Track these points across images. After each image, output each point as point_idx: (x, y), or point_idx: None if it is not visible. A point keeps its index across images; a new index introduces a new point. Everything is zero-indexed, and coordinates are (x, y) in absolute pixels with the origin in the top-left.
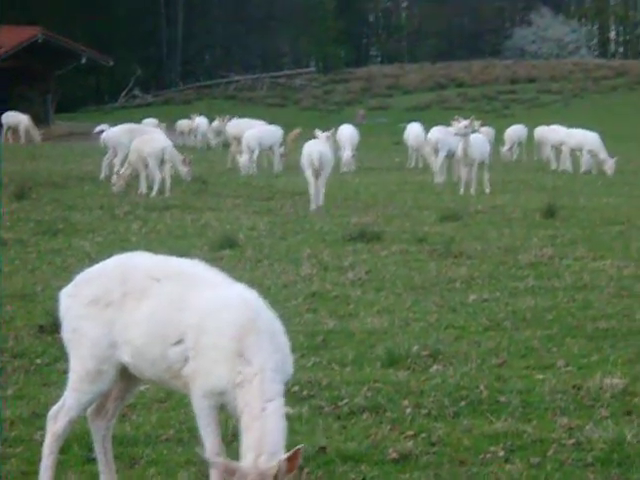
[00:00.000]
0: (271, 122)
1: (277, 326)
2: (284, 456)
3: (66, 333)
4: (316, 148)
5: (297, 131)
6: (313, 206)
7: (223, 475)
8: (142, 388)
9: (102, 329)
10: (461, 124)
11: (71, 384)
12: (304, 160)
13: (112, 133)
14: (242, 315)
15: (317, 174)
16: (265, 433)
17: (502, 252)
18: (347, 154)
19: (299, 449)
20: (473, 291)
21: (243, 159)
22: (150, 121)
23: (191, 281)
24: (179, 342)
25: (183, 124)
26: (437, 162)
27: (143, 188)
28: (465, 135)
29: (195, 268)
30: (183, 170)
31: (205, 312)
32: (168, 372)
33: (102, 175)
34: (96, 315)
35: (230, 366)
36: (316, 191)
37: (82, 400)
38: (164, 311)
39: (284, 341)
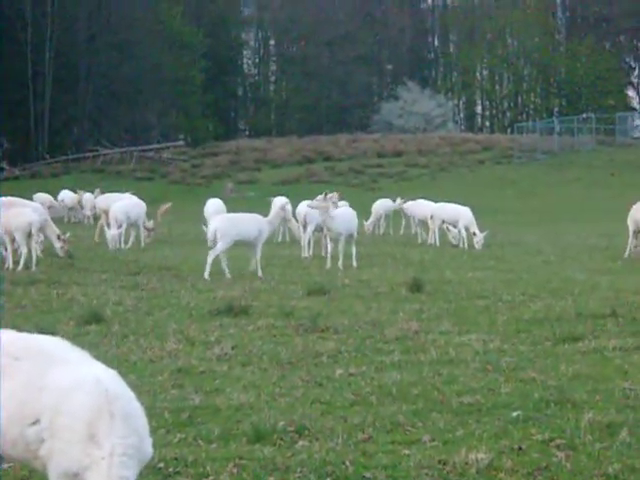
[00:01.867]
0: (139, 196)
1: (134, 407)
2: None
3: None
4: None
5: (167, 205)
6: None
7: None
8: (5, 466)
9: None
10: (317, 198)
11: None
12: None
13: None
14: (95, 397)
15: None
16: None
17: (369, 326)
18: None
19: None
20: (340, 365)
21: (111, 233)
22: (41, 196)
23: (49, 360)
24: (35, 422)
25: (43, 197)
26: (305, 236)
27: (10, 262)
28: (323, 209)
29: (55, 346)
30: (57, 245)
31: (60, 392)
32: (27, 452)
33: None
34: None
35: (82, 448)
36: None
37: None
38: (22, 391)
39: (141, 423)
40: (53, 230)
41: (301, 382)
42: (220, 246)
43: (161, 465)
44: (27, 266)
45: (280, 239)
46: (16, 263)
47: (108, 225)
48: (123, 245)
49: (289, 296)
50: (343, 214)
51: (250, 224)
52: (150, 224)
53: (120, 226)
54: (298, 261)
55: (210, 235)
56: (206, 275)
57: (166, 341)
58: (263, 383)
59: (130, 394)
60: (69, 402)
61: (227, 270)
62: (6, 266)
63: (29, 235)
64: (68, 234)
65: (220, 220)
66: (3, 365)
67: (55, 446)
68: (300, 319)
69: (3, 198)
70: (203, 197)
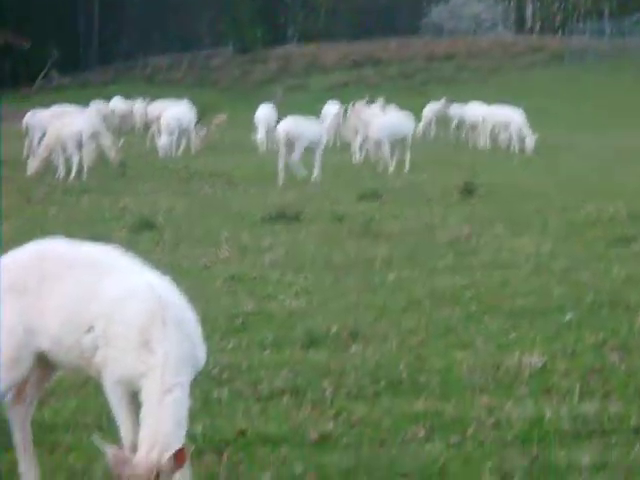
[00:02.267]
0: (190, 103)
1: (186, 314)
2: (169, 453)
3: None
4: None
5: (223, 117)
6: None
7: (113, 466)
8: (60, 374)
9: (18, 316)
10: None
11: None
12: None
13: (35, 116)
14: (148, 304)
15: None
16: (160, 426)
17: (421, 230)
18: (258, 135)
19: (184, 449)
20: (392, 270)
21: (162, 141)
22: (96, 104)
23: (103, 268)
24: (89, 330)
25: (98, 106)
26: (356, 142)
27: (61, 172)
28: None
29: (108, 255)
30: (111, 155)
31: (113, 301)
32: (82, 359)
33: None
34: (12, 302)
35: (136, 355)
36: None
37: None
38: (76, 299)
39: (194, 330)
40: (107, 139)
41: (354, 287)
42: (297, 149)
43: (215, 371)
44: (79, 175)
45: (331, 144)
46: (68, 172)
47: (159, 133)
48: (174, 152)
49: (341, 201)
50: (384, 121)
51: (317, 128)
52: (202, 131)
53: (171, 133)
54: (349, 167)
55: (281, 138)
56: (299, 173)
57: (219, 248)
58: (316, 288)
59: (183, 301)
60: (122, 310)
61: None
62: (57, 175)
63: (80, 144)
64: (122, 142)
65: (291, 123)
66: (57, 274)
67: (109, 353)
68: (352, 224)
69: (55, 107)
70: (253, 104)
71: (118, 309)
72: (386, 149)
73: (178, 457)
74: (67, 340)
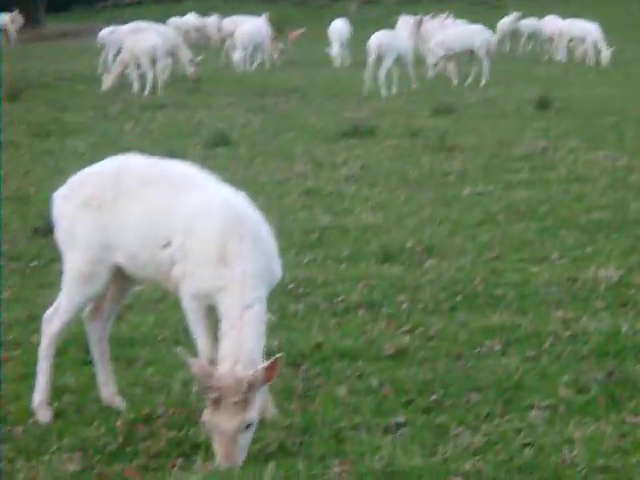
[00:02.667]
0: (265, 18)
1: (263, 230)
2: (262, 365)
3: (60, 235)
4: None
5: (300, 31)
6: None
7: (201, 379)
8: (138, 289)
9: (95, 231)
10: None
11: (65, 286)
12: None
13: (111, 32)
14: (225, 219)
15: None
16: (242, 341)
17: (496, 145)
18: (334, 49)
19: (278, 359)
20: (467, 185)
21: (236, 56)
22: (175, 20)
23: (179, 184)
24: (167, 245)
25: (177, 22)
26: (431, 57)
27: (136, 87)
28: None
29: (185, 170)
30: (190, 69)
31: (190, 215)
32: (159, 274)
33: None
34: (88, 217)
35: (213, 270)
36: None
37: (76, 302)
38: (152, 214)
39: (270, 245)
40: (185, 54)
41: (429, 201)
42: (387, 62)
43: (291, 286)
44: (153, 90)
45: None
46: (142, 88)
47: (234, 48)
48: (249, 68)
49: (415, 115)
50: (448, 34)
51: (406, 42)
52: (278, 46)
53: (245, 48)
54: (424, 81)
55: (372, 52)
56: (384, 91)
57: (294, 163)
58: (391, 203)
59: (259, 216)
60: (199, 224)
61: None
62: (133, 91)
63: (154, 60)
64: (200, 57)
65: (383, 36)
66: (133, 189)
67: (186, 268)
68: (427, 138)
69: (131, 23)
70: (327, 18)
71: (195, 223)
72: (451, 64)
73: (270, 370)
74: (143, 255)
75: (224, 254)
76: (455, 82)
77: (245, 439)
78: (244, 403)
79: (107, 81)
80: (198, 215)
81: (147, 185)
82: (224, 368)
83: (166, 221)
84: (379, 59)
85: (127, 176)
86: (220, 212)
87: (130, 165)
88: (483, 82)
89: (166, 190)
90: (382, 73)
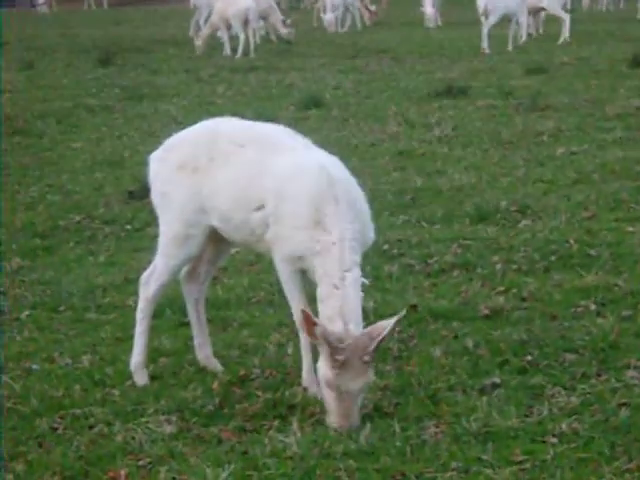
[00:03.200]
0: None
1: (357, 193)
2: (392, 320)
3: (155, 197)
4: None
5: None
6: None
7: (329, 340)
8: (232, 251)
9: (189, 194)
10: None
11: (160, 249)
12: None
13: None
14: (319, 182)
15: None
16: (348, 301)
17: (589, 104)
18: (426, 10)
19: (399, 318)
20: (561, 144)
21: (327, 17)
22: None
23: (273, 147)
24: (260, 208)
25: None
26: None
27: (227, 50)
28: None
29: (278, 133)
30: (283, 31)
31: (284, 178)
32: (252, 236)
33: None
34: (183, 180)
35: (308, 233)
36: None
37: (171, 264)
38: (246, 177)
39: (364, 209)
40: (278, 16)
41: (522, 161)
42: (492, 19)
43: (385, 247)
44: (245, 53)
45: None
46: (234, 50)
47: (324, 9)
48: (340, 29)
49: (508, 75)
50: None
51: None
52: (371, 7)
53: (335, 9)
54: (516, 41)
55: (481, 10)
56: (485, 47)
57: (386, 124)
58: (484, 163)
59: (352, 179)
60: (293, 187)
61: (486, 46)
62: (224, 53)
63: (246, 22)
64: (290, 19)
65: None
66: (227, 152)
67: (280, 231)
68: (520, 98)
69: None
70: None
71: (288, 186)
72: (523, 21)
73: (391, 328)
74: (236, 217)
75: (320, 217)
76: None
77: (362, 399)
78: (370, 363)
79: (198, 45)
80: (291, 178)
81: (240, 148)
82: (337, 328)
83: (259, 184)
84: (487, 17)
85: (220, 139)
86: (314, 175)
87: (223, 128)
88: (561, 40)
89: (259, 153)
90: (485, 30)
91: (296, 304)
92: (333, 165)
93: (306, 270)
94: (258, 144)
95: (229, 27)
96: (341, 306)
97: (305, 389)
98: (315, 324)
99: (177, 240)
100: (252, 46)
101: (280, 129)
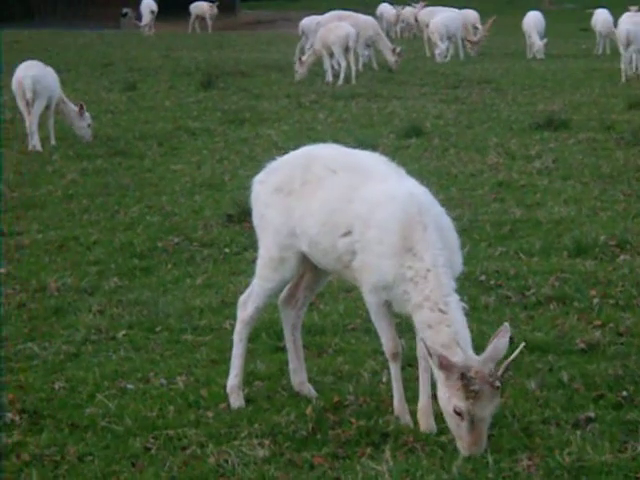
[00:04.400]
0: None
1: (445, 221)
2: (517, 350)
3: (255, 219)
4: None
5: (492, 19)
6: None
7: (459, 370)
8: (330, 278)
9: (283, 217)
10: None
11: (257, 271)
12: None
13: (311, 20)
14: (408, 210)
15: None
16: (458, 328)
17: None
18: (535, 41)
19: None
20: None
21: (439, 48)
22: (385, 7)
23: (365, 174)
24: (347, 234)
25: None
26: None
27: (329, 77)
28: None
29: (372, 162)
30: (391, 60)
31: (372, 205)
32: (339, 263)
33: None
34: (279, 203)
35: (397, 261)
36: None
37: (267, 287)
38: (335, 202)
39: (453, 237)
40: (386, 44)
41: (622, 196)
42: (633, 48)
43: (482, 278)
44: (347, 80)
45: (600, 52)
46: (336, 77)
47: (430, 39)
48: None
49: (610, 109)
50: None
51: None
52: (475, 37)
53: (444, 39)
54: (619, 74)
55: (622, 38)
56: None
57: (487, 155)
58: (584, 197)
59: (441, 209)
60: (380, 214)
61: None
62: (327, 80)
63: (347, 48)
64: (400, 48)
65: (631, 23)
66: (320, 177)
67: (367, 258)
68: (621, 132)
69: (332, 12)
70: (521, 10)
71: (376, 213)
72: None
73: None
74: (324, 243)
75: (411, 245)
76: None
77: (490, 423)
78: (499, 388)
79: (299, 71)
80: (380, 205)
81: (333, 174)
82: (457, 356)
83: (347, 210)
84: (628, 44)
85: (315, 164)
86: (403, 202)
87: (319, 154)
88: None
89: (350, 179)
90: (627, 58)
91: (386, 336)
92: (422, 193)
93: (392, 301)
94: (350, 171)
95: (331, 54)
96: (454, 332)
97: (397, 418)
98: (437, 354)
99: (272, 263)
100: (354, 73)
101: (375, 157)
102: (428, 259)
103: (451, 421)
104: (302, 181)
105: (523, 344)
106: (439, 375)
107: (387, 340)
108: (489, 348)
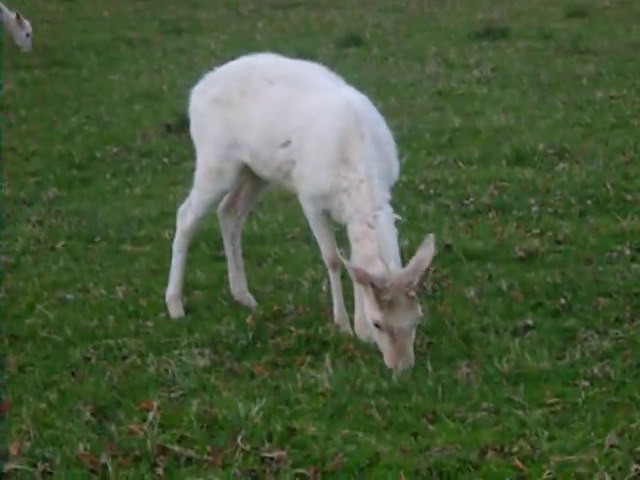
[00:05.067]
0: None
1: (383, 131)
2: (422, 258)
3: (193, 130)
4: None
5: None
6: None
7: (372, 281)
8: (270, 188)
9: (222, 128)
10: None
11: (196, 182)
12: None
13: None
14: (344, 119)
15: None
16: (384, 241)
17: (630, 49)
18: None
19: (430, 251)
20: (600, 88)
21: None
22: None
23: (302, 84)
24: (286, 144)
25: None
26: None
27: None
28: None
29: (310, 72)
30: None
31: (309, 115)
32: (278, 173)
33: None
34: (218, 114)
35: (334, 171)
36: None
37: (205, 198)
38: (273, 113)
39: (390, 147)
40: None
41: (561, 104)
42: None
43: (422, 187)
44: None
45: None
46: None
47: None
48: None
49: (549, 18)
50: None
51: None
52: None
53: None
54: None
55: None
56: None
57: (425, 64)
58: (523, 105)
59: (380, 118)
60: (317, 124)
61: None
62: None
63: None
64: None
65: None
66: (258, 88)
67: (304, 169)
68: (560, 41)
69: None
70: None
71: (313, 123)
72: None
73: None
74: (264, 153)
75: (346, 155)
76: None
77: (414, 336)
78: (416, 298)
79: None
80: (317, 114)
81: (270, 84)
82: (377, 268)
83: (285, 120)
84: None
85: (253, 75)
86: (340, 112)
87: (257, 64)
88: None
89: (287, 90)
90: None
91: (325, 244)
92: (360, 102)
93: (330, 210)
94: (288, 81)
95: None
96: (379, 245)
97: (337, 326)
98: (353, 267)
99: (211, 174)
100: None
101: (314, 67)
102: (362, 170)
103: (375, 336)
104: (240, 92)
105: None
106: (362, 289)
107: (326, 249)
108: (412, 260)
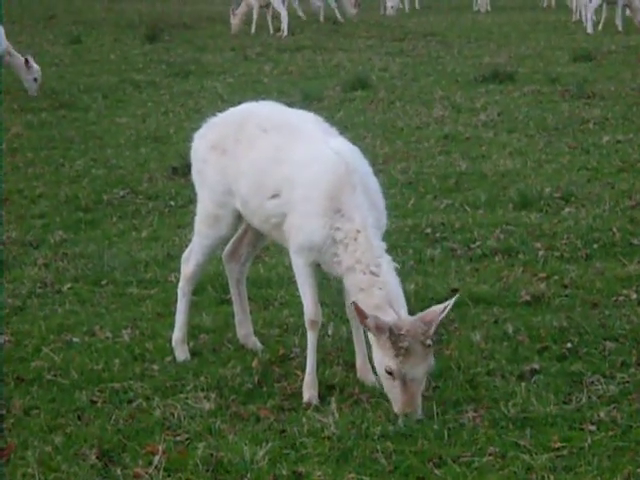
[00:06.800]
0: None
1: (372, 182)
2: (448, 303)
3: (194, 174)
4: None
5: None
6: None
7: (389, 329)
8: None
9: (218, 175)
10: None
11: (195, 227)
12: None
13: None
14: (335, 170)
15: None
16: (391, 288)
17: (636, 93)
18: None
19: (455, 302)
20: (606, 132)
21: (391, 2)
22: None
23: (296, 135)
24: (275, 196)
25: None
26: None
27: (270, 28)
28: None
29: (304, 122)
30: (352, 11)
31: (299, 166)
32: (267, 224)
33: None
34: (214, 160)
35: (324, 221)
36: None
37: (205, 244)
38: (263, 163)
39: (379, 197)
40: None
41: (567, 148)
42: (595, 2)
43: (428, 230)
44: (289, 31)
45: (545, 4)
46: (278, 29)
47: None
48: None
49: (555, 62)
50: None
51: None
52: None
53: None
54: (564, 27)
55: None
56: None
57: (432, 107)
58: (529, 149)
59: (369, 169)
60: (307, 174)
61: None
62: (271, 33)
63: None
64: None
65: None
66: (252, 136)
67: (294, 218)
68: (566, 85)
69: None
70: None
71: (304, 174)
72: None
73: (444, 312)
74: (252, 203)
75: (337, 206)
76: (589, 30)
77: (425, 384)
78: (431, 347)
79: (234, 22)
80: (307, 165)
81: (264, 133)
82: (390, 317)
83: (275, 171)
84: None
85: (249, 123)
86: (330, 163)
87: (254, 112)
88: (619, 28)
89: (279, 139)
90: (589, 11)
91: (309, 300)
92: (351, 154)
93: (321, 263)
94: (280, 130)
95: (267, 5)
96: (387, 292)
97: (303, 390)
98: (367, 316)
99: (209, 220)
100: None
101: (307, 117)
102: (358, 220)
103: (385, 383)
104: (235, 139)
105: (453, 300)
106: (372, 337)
107: (308, 305)
108: (425, 311)
